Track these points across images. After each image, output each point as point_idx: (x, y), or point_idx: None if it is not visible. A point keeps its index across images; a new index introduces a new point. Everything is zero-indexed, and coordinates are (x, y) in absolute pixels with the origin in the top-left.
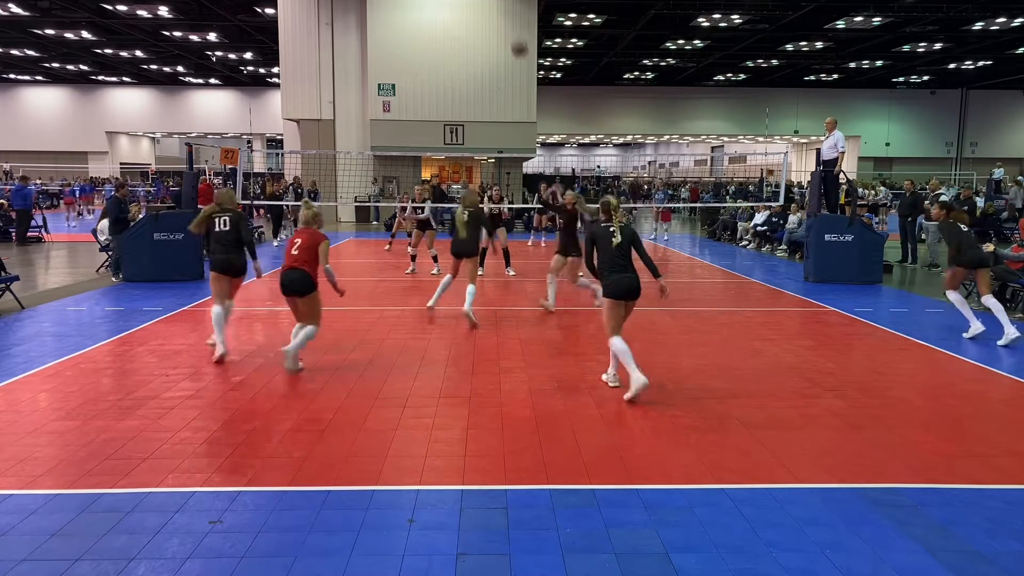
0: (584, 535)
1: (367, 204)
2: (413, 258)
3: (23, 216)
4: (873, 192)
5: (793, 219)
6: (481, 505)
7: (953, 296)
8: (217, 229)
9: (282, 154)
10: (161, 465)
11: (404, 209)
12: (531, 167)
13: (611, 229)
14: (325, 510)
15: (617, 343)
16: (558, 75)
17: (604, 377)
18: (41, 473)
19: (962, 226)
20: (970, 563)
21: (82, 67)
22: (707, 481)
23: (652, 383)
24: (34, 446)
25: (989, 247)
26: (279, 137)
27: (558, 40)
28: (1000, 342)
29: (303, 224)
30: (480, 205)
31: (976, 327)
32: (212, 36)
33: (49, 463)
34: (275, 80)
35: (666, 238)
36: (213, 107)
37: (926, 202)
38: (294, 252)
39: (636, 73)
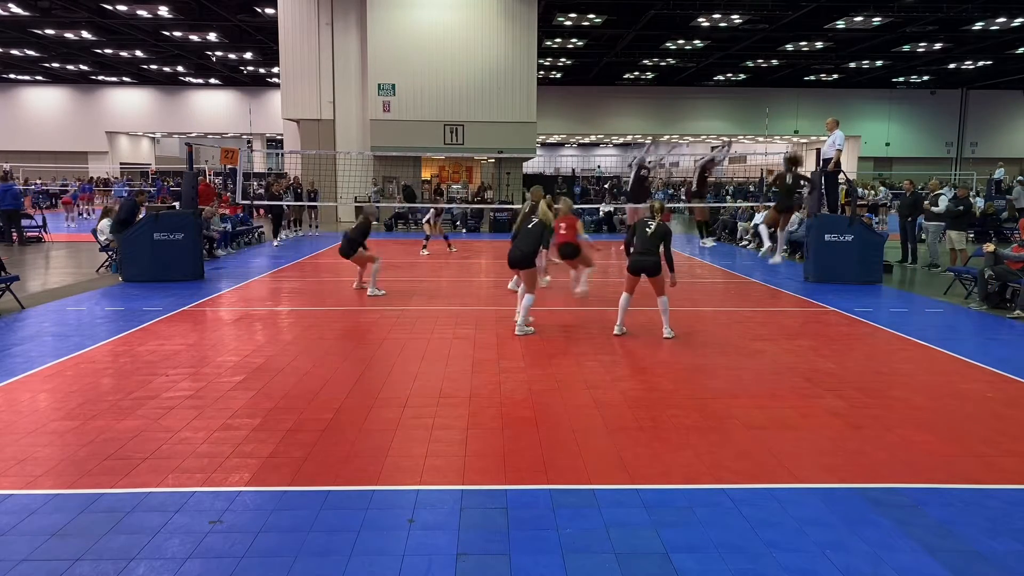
0: (584, 535)
1: (366, 204)
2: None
3: (14, 216)
4: (872, 192)
5: (792, 219)
6: (481, 505)
7: (764, 230)
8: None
9: (282, 154)
10: (161, 465)
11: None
12: (531, 167)
13: (648, 223)
14: (325, 510)
15: (622, 299)
16: (558, 75)
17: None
18: (41, 473)
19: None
20: (970, 563)
21: (82, 67)
22: (707, 481)
23: (652, 383)
24: (34, 446)
25: (989, 247)
26: (279, 137)
27: (558, 40)
28: (763, 255)
29: (564, 214)
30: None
31: (775, 257)
32: (212, 36)
33: (49, 463)
34: (275, 80)
35: None
36: (213, 107)
37: (926, 202)
38: (562, 231)
39: (636, 73)
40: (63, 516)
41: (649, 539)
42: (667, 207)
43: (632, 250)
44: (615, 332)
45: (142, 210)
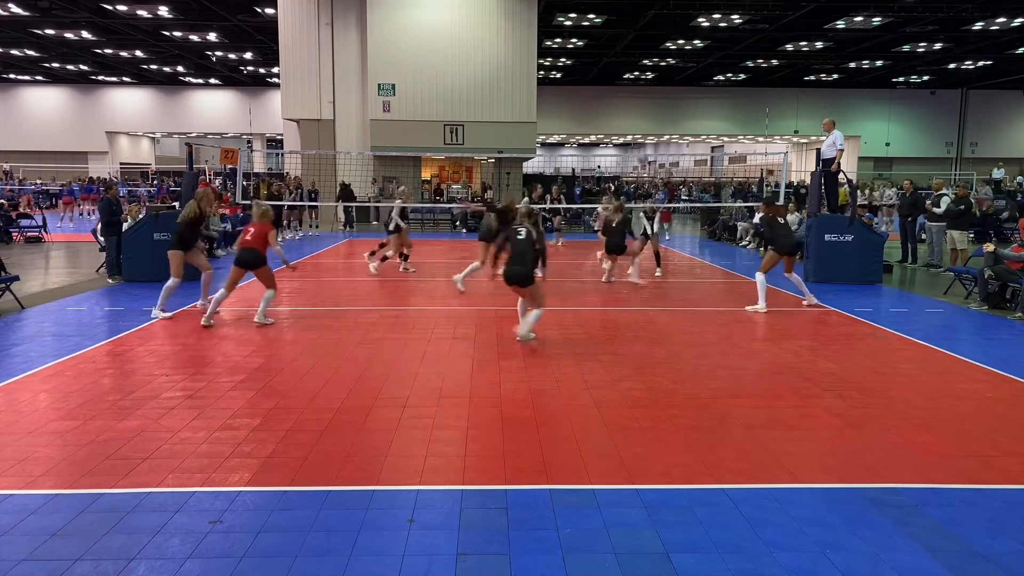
0: (584, 535)
1: (367, 204)
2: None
3: None
4: (877, 193)
5: (792, 219)
6: (481, 505)
7: (760, 277)
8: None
9: (282, 154)
10: (161, 465)
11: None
12: (531, 167)
13: (519, 230)
14: (325, 510)
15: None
16: (558, 75)
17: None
18: (41, 473)
19: (780, 219)
20: (970, 563)
21: (82, 67)
22: (707, 481)
23: (652, 383)
24: (34, 446)
25: (989, 247)
26: (279, 137)
27: (558, 40)
28: (805, 302)
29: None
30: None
31: (762, 307)
32: (212, 36)
33: (49, 463)
34: (275, 80)
35: (667, 238)
36: (213, 107)
37: (928, 202)
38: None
39: (636, 73)
40: (63, 516)
41: (649, 539)
42: (667, 207)
43: (508, 259)
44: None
45: (143, 209)
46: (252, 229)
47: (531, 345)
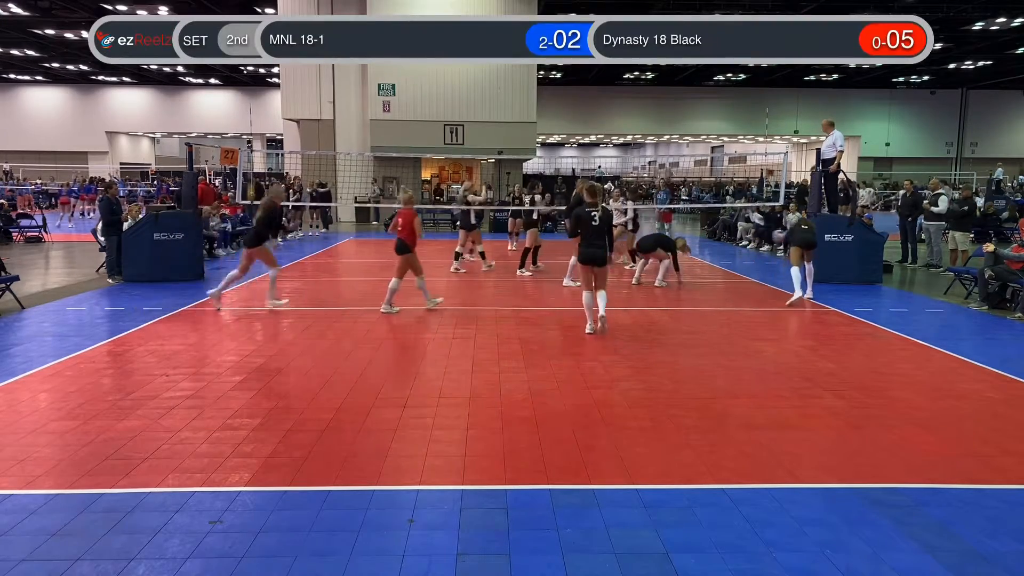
0: (584, 535)
1: (367, 204)
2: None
3: None
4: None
5: (792, 218)
6: (481, 505)
7: (793, 271)
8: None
9: (282, 154)
10: (161, 465)
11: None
12: (531, 167)
13: (592, 213)
14: (325, 510)
15: (585, 297)
16: (558, 75)
17: (587, 330)
18: (41, 473)
19: (803, 226)
20: (970, 563)
21: (82, 67)
22: (707, 481)
23: (652, 383)
24: (34, 446)
25: (989, 247)
26: (279, 137)
27: None
28: (806, 296)
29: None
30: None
31: (797, 295)
32: None
33: (49, 463)
34: (275, 80)
35: None
36: (213, 107)
37: (925, 201)
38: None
39: (636, 73)
40: (63, 516)
41: (649, 539)
42: (667, 208)
43: (583, 242)
44: (587, 331)
45: (142, 209)
46: (400, 220)
47: (533, 345)
